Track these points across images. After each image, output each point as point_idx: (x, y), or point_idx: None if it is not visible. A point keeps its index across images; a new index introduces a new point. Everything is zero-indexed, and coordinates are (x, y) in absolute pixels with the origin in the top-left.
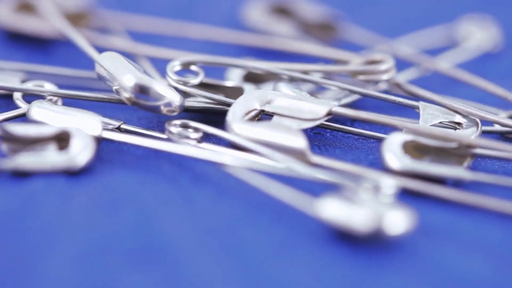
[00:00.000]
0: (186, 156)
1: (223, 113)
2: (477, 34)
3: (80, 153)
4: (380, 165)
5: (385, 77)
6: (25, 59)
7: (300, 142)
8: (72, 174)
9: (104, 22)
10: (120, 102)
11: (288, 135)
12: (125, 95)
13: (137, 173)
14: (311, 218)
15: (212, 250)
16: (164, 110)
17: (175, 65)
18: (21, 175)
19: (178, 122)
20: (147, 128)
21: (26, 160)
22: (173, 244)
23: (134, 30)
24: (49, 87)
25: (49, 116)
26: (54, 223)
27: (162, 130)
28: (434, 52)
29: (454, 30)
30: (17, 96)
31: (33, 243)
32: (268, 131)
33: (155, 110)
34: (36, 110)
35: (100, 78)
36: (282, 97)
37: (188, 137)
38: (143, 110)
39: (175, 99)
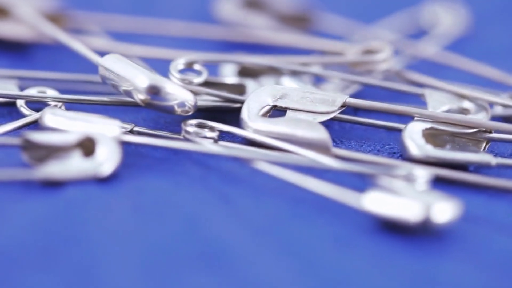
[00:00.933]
0: (209, 156)
1: (230, 111)
2: (445, 18)
3: (108, 159)
4: (399, 154)
5: (385, 65)
6: (5, 65)
7: (323, 135)
8: (100, 180)
9: (75, 23)
10: (123, 104)
11: (309, 129)
12: (140, 97)
13: (166, 176)
14: (355, 211)
15: (269, 249)
16: (178, 110)
17: (179, 64)
18: (50, 184)
19: (194, 121)
20: (156, 129)
21: (55, 169)
22: (229, 246)
23: (107, 29)
24: (51, 92)
25: (65, 123)
26: (104, 232)
27: (172, 131)
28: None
29: (421, 14)
30: (20, 103)
31: (89, 253)
32: (288, 126)
33: (169, 110)
34: (50, 117)
35: (106, 81)
36: (294, 91)
37: (205, 137)
38: (157, 111)
39: (189, 98)
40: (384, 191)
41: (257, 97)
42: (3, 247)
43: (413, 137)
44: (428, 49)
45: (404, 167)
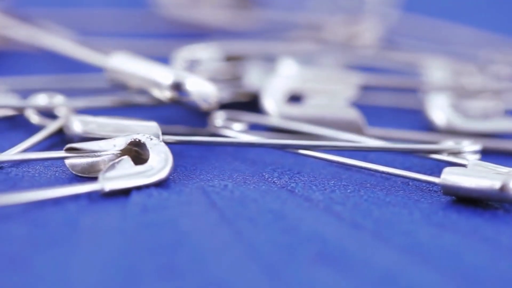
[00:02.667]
0: (244, 148)
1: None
2: None
3: (164, 163)
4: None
5: (369, 35)
6: None
7: (354, 116)
8: (159, 185)
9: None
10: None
11: (340, 111)
12: (166, 94)
13: (220, 174)
14: (425, 189)
15: (372, 239)
16: (204, 105)
17: (187, 57)
18: (112, 194)
19: (221, 115)
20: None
21: (115, 177)
22: (335, 242)
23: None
24: (59, 98)
25: (98, 129)
26: (200, 234)
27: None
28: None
29: None
30: (30, 112)
31: (202, 256)
32: (318, 110)
33: (194, 106)
34: (78, 124)
35: (117, 82)
36: (308, 74)
37: (234, 129)
38: (181, 107)
39: (215, 92)
40: (456, 167)
41: (277, 84)
42: (123, 264)
43: (443, 109)
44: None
45: (450, 141)
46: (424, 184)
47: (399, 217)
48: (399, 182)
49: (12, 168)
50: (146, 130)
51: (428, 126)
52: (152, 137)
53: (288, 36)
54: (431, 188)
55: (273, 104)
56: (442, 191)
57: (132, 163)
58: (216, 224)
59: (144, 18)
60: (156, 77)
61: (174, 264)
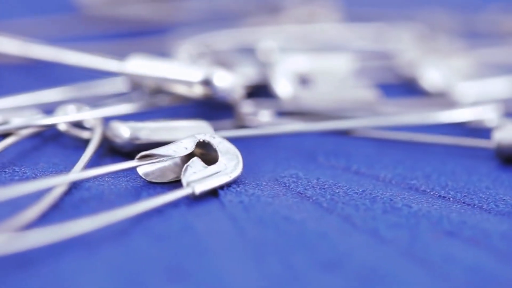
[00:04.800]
0: (276, 136)
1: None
2: None
3: (236, 160)
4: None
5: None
6: None
7: (370, 93)
8: (235, 182)
9: None
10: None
11: (355, 90)
12: (197, 91)
13: (280, 165)
14: (469, 155)
15: (465, 208)
16: (233, 98)
17: (189, 52)
18: (199, 196)
19: (250, 105)
20: None
21: (198, 180)
22: (438, 213)
23: None
24: (87, 109)
25: (153, 134)
26: (327, 226)
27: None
28: None
29: None
30: (65, 126)
31: (334, 247)
32: (337, 91)
33: (223, 100)
34: (127, 130)
35: (136, 85)
36: (311, 61)
37: (265, 117)
38: (211, 102)
39: (240, 84)
40: (502, 130)
41: (285, 69)
42: (276, 263)
43: (438, 74)
44: None
45: (470, 107)
46: (467, 151)
47: (474, 185)
48: (442, 152)
49: (87, 184)
50: (198, 130)
51: (418, 93)
52: (214, 135)
53: (248, 23)
54: (473, 154)
55: (289, 89)
56: (496, 154)
57: (203, 163)
58: (319, 212)
59: (74, 21)
60: (184, 75)
61: (324, 255)
